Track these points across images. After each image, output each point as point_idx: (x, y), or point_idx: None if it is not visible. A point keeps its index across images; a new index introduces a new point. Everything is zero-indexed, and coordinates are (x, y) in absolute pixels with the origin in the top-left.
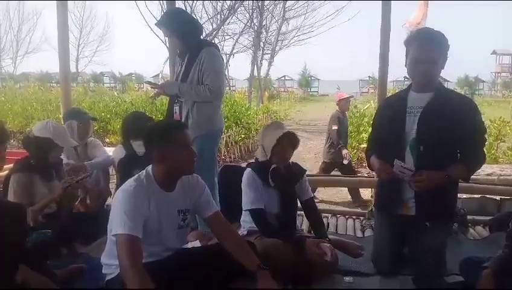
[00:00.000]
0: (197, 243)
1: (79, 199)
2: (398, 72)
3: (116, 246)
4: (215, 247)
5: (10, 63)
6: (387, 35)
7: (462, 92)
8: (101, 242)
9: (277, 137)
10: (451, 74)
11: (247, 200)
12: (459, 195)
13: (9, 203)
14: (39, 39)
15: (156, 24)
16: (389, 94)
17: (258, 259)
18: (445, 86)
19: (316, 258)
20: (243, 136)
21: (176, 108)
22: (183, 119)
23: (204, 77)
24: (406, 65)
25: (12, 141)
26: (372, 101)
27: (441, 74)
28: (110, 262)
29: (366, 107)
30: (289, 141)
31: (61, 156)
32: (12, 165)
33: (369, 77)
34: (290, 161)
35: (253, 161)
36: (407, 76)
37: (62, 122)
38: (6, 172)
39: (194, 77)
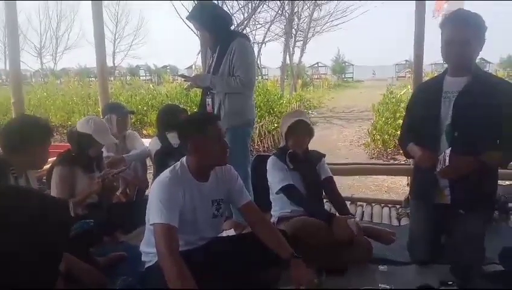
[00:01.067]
0: (231, 232)
1: (120, 190)
2: (437, 55)
3: (154, 235)
4: (249, 236)
5: (51, 60)
6: (422, 17)
7: (505, 74)
8: (140, 231)
9: (288, 125)
10: (493, 55)
11: (275, 181)
12: (500, 182)
13: (51, 198)
14: (77, 35)
15: (186, 18)
16: (427, 78)
17: (291, 248)
18: (487, 67)
19: (344, 234)
20: (275, 125)
21: (208, 100)
22: (215, 111)
23: (235, 68)
24: (441, 49)
25: (55, 134)
26: (409, 86)
27: (482, 56)
28: (148, 250)
29: (403, 92)
30: (300, 128)
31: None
32: (55, 158)
33: (405, 60)
34: (309, 148)
35: None
36: None
37: (101, 116)
38: (49, 165)
39: (225, 68)
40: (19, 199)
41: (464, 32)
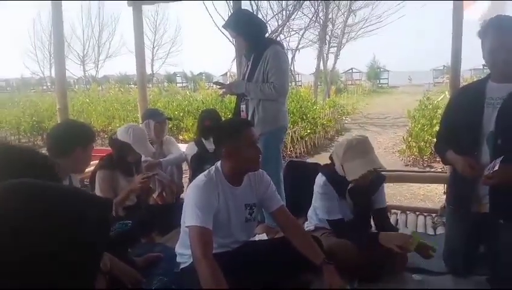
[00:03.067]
0: (263, 236)
1: (156, 193)
2: (476, 60)
3: (189, 237)
4: (282, 240)
5: (93, 67)
6: (460, 21)
7: None
8: (176, 233)
9: (360, 174)
10: None
11: (323, 209)
12: None
13: (98, 197)
14: (118, 43)
15: (222, 26)
16: (465, 84)
17: (323, 254)
18: None
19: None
20: (308, 131)
21: (243, 106)
22: (249, 117)
23: (269, 75)
24: (483, 56)
25: (96, 139)
26: (446, 92)
27: None
28: (183, 252)
29: (440, 98)
30: (372, 174)
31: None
32: (97, 161)
33: (443, 66)
34: None
35: (318, 156)
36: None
37: (140, 121)
38: (92, 168)
39: (259, 75)
40: (64, 197)
41: (510, 37)
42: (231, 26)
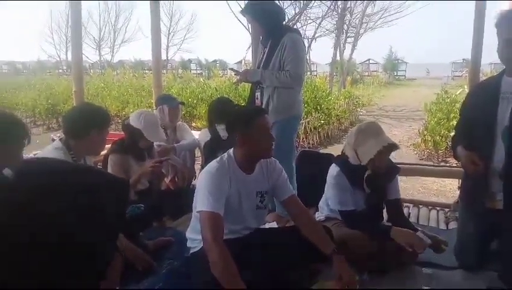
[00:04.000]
0: (274, 225)
1: (169, 178)
2: (497, 54)
3: (200, 222)
4: (292, 229)
5: (108, 52)
6: (482, 15)
7: None
8: (187, 218)
9: (375, 151)
10: None
11: (335, 200)
12: None
13: (116, 177)
14: (133, 28)
15: (240, 12)
16: (485, 78)
17: (333, 244)
18: None
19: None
20: (322, 122)
21: (257, 94)
22: (263, 105)
23: (285, 63)
24: (497, 50)
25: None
26: (465, 86)
27: None
28: (194, 237)
29: (458, 92)
30: (389, 151)
31: None
32: (110, 145)
33: (463, 59)
34: None
35: (331, 147)
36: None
37: (154, 107)
38: (105, 152)
39: (275, 62)
40: (85, 175)
41: None
42: (249, 12)
